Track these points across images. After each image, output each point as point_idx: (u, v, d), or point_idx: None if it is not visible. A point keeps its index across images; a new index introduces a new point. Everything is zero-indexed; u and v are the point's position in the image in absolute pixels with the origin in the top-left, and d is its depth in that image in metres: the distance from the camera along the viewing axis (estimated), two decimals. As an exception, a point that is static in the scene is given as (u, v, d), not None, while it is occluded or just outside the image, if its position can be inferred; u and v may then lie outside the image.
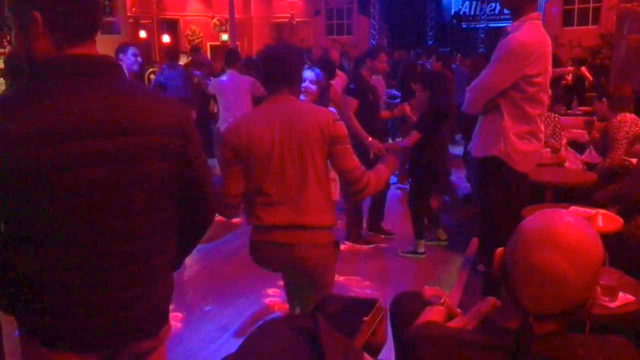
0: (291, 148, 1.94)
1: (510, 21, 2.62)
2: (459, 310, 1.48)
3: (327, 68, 4.44)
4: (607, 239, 2.67)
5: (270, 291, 3.50)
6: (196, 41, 14.18)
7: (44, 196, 1.12)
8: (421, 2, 15.66)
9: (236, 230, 4.75)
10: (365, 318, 1.95)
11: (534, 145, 2.64)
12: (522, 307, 1.06)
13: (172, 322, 1.47)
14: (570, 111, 6.61)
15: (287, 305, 2.68)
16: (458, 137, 7.35)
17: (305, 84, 3.04)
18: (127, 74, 3.84)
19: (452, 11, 16.69)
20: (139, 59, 3.80)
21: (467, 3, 16.25)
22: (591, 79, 7.90)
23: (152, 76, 7.13)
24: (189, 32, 14.25)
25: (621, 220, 2.93)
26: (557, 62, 7.43)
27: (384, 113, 4.65)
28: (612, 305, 2.06)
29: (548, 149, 4.41)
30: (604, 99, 4.19)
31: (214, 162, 5.93)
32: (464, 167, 5.82)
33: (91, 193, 1.16)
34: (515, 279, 1.08)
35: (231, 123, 2.12)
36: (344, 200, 3.73)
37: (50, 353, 1.22)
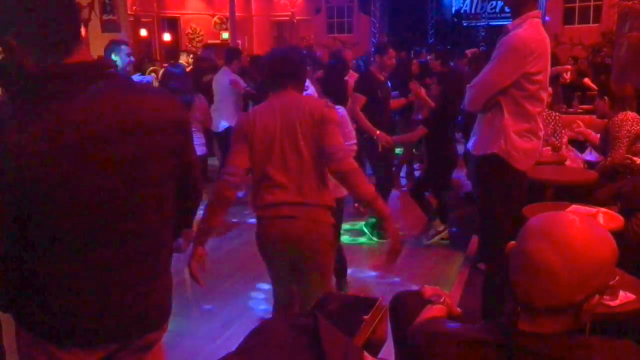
0: (289, 135, 2.14)
1: (511, 19, 2.62)
2: (458, 309, 1.48)
3: (341, 67, 4.48)
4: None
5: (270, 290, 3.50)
6: (197, 40, 14.17)
7: (60, 203, 1.12)
8: (422, 1, 15.64)
9: (236, 229, 4.76)
10: (365, 317, 1.95)
11: (534, 144, 2.64)
12: (514, 296, 1.07)
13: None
14: (571, 109, 6.59)
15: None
16: (458, 135, 7.34)
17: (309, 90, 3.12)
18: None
19: (453, 9, 16.67)
20: (132, 58, 3.68)
21: (467, 1, 16.24)
22: (595, 87, 7.84)
23: (153, 74, 7.11)
24: (190, 31, 14.24)
25: (622, 218, 2.93)
26: (555, 60, 7.42)
27: (393, 102, 4.71)
28: (613, 304, 2.06)
29: (549, 148, 4.40)
30: (606, 98, 4.17)
31: (213, 160, 5.95)
32: (464, 166, 5.81)
33: (106, 197, 1.17)
34: (511, 268, 1.10)
35: (246, 113, 2.33)
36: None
37: (57, 351, 1.22)
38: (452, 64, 7.99)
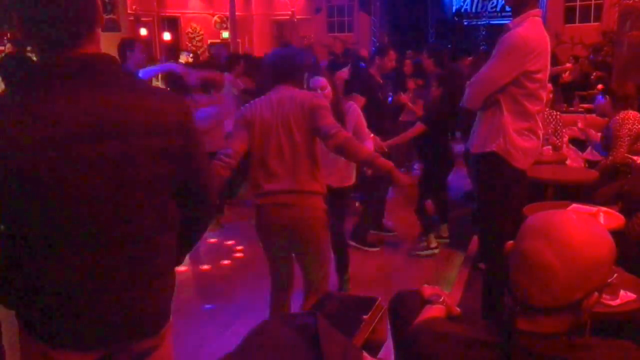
0: (284, 126, 2.30)
1: (512, 18, 2.61)
2: (458, 309, 1.47)
3: (356, 65, 4.50)
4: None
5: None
6: (197, 39, 14.16)
7: (45, 200, 1.11)
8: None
9: (236, 229, 4.75)
10: (364, 316, 1.95)
11: (533, 142, 2.63)
12: (513, 295, 1.07)
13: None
14: (572, 109, 6.58)
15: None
16: (457, 134, 7.33)
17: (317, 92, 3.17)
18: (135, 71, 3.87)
19: (453, 8, 16.65)
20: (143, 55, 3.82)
21: (468, 0, 16.22)
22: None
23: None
24: (190, 30, 14.23)
25: (623, 218, 2.92)
26: (554, 60, 7.41)
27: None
28: (613, 303, 2.05)
29: (550, 147, 4.39)
30: (607, 96, 4.16)
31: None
32: (464, 165, 5.80)
33: (93, 196, 1.15)
34: (510, 267, 1.09)
35: (248, 104, 2.50)
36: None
37: (51, 351, 1.22)
38: (452, 63, 7.96)
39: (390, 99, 5.28)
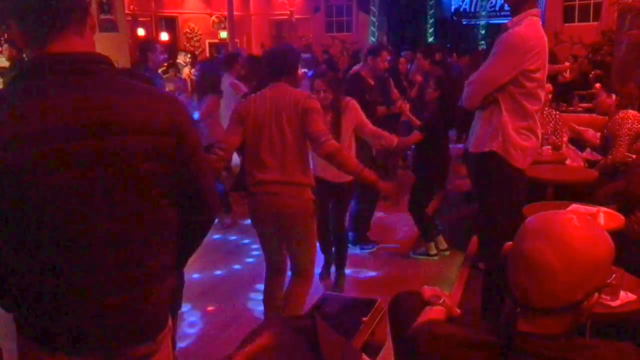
0: (277, 122, 2.46)
1: (510, 17, 2.61)
2: (457, 310, 1.47)
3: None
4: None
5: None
6: (195, 39, 14.14)
7: (28, 199, 1.10)
8: (421, -1, 15.63)
9: (235, 230, 4.74)
10: (364, 318, 1.94)
11: (532, 142, 2.63)
12: (513, 297, 1.06)
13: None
14: (571, 108, 6.58)
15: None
16: (451, 133, 7.31)
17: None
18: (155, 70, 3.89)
19: (452, 8, 16.67)
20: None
21: (467, 0, 16.24)
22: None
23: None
24: (188, 30, 14.22)
25: (622, 217, 2.92)
26: (553, 59, 7.40)
27: (380, 109, 4.53)
28: (613, 304, 2.04)
29: (549, 147, 4.39)
30: (613, 95, 4.12)
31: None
32: (463, 165, 5.79)
33: (77, 195, 1.13)
34: (510, 268, 1.09)
35: (244, 100, 2.68)
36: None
37: (47, 356, 1.20)
38: (451, 63, 7.96)
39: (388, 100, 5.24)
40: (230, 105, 5.27)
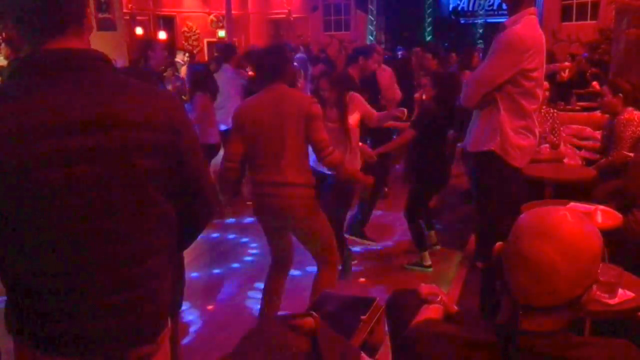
0: (276, 126, 2.48)
1: (508, 16, 2.61)
2: (455, 307, 1.47)
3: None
4: (606, 235, 2.66)
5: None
6: (193, 38, 14.12)
7: (24, 196, 1.09)
8: (419, -2, 15.63)
9: (234, 229, 4.74)
10: (363, 317, 1.94)
11: (530, 141, 2.63)
12: (513, 298, 1.05)
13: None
14: (569, 107, 6.58)
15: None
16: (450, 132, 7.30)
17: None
18: (155, 70, 3.89)
19: (450, 7, 16.68)
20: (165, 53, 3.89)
21: (465, -2, 16.26)
22: (599, 89, 7.72)
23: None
24: (186, 29, 14.20)
25: (620, 216, 2.92)
26: (551, 58, 7.39)
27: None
28: (611, 302, 2.04)
29: (547, 145, 4.39)
30: (620, 95, 4.09)
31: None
32: (462, 163, 5.80)
33: (73, 191, 1.12)
34: (507, 269, 1.08)
35: (241, 105, 2.72)
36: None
37: (44, 358, 1.19)
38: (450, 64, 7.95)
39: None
40: (233, 94, 5.25)
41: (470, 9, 16.30)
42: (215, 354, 2.65)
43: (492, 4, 15.76)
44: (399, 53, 9.45)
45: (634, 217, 3.00)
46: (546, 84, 3.87)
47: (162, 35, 13.21)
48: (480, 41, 14.44)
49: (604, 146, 4.26)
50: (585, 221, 1.07)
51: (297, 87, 3.53)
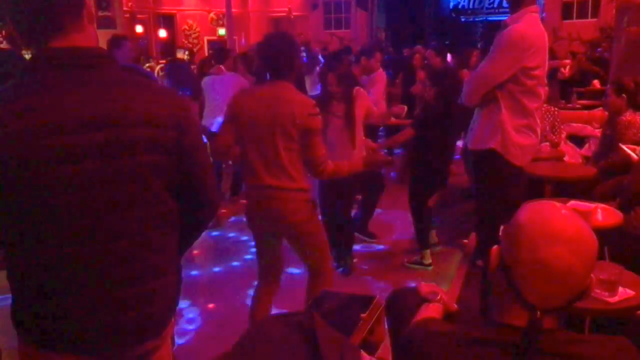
0: (269, 127, 2.32)
1: (509, 14, 2.60)
2: (455, 305, 1.46)
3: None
4: (607, 233, 2.67)
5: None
6: (193, 36, 14.11)
7: (31, 192, 1.10)
8: (420, -4, 15.62)
9: (233, 229, 4.74)
10: (362, 315, 1.93)
11: (531, 139, 2.63)
12: (528, 303, 1.05)
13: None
14: (569, 105, 6.58)
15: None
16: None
17: None
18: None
19: (451, 5, 16.65)
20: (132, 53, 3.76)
21: (465, -3, 16.24)
22: (599, 87, 7.70)
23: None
24: (186, 27, 14.19)
25: (621, 214, 2.92)
26: (552, 56, 7.37)
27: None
28: (611, 300, 2.04)
29: (547, 143, 4.39)
30: (624, 95, 4.08)
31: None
32: (463, 162, 5.79)
33: (78, 187, 1.13)
34: (521, 276, 1.06)
35: (238, 93, 2.51)
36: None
37: (50, 355, 1.19)
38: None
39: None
40: (222, 98, 5.23)
41: (471, 7, 16.28)
42: (215, 351, 2.65)
43: (493, 2, 15.74)
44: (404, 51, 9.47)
45: (636, 215, 3.00)
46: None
47: (162, 33, 13.22)
48: (481, 40, 14.42)
49: (606, 145, 4.25)
50: (576, 215, 1.09)
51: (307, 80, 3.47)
